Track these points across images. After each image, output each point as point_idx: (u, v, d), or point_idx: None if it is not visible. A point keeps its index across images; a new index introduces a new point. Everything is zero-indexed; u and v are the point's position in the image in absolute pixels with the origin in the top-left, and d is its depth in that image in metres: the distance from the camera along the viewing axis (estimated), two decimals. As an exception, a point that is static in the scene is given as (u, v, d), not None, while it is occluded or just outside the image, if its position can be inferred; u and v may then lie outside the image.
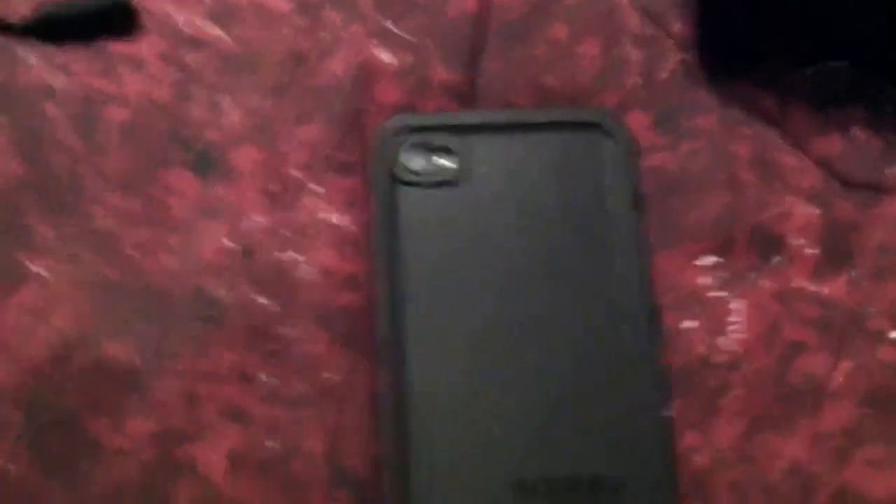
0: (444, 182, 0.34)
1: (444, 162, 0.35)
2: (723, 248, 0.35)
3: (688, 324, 0.34)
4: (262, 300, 0.34)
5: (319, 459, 0.32)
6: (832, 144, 0.36)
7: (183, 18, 0.36)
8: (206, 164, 0.35)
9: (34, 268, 0.34)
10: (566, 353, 0.33)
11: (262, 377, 0.33)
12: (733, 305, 0.34)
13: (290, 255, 0.35)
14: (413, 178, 0.34)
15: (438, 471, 0.31)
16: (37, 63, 0.36)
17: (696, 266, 0.35)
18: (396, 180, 0.34)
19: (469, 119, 0.35)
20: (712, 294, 0.35)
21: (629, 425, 0.32)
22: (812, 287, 0.35)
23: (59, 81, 0.36)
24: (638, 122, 0.36)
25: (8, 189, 0.35)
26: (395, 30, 0.37)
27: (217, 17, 0.36)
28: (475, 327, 0.33)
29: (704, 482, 0.33)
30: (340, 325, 0.34)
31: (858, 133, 0.36)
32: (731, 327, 0.34)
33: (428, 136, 0.35)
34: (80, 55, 0.36)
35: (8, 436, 0.32)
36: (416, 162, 0.34)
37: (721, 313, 0.34)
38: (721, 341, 0.34)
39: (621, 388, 0.32)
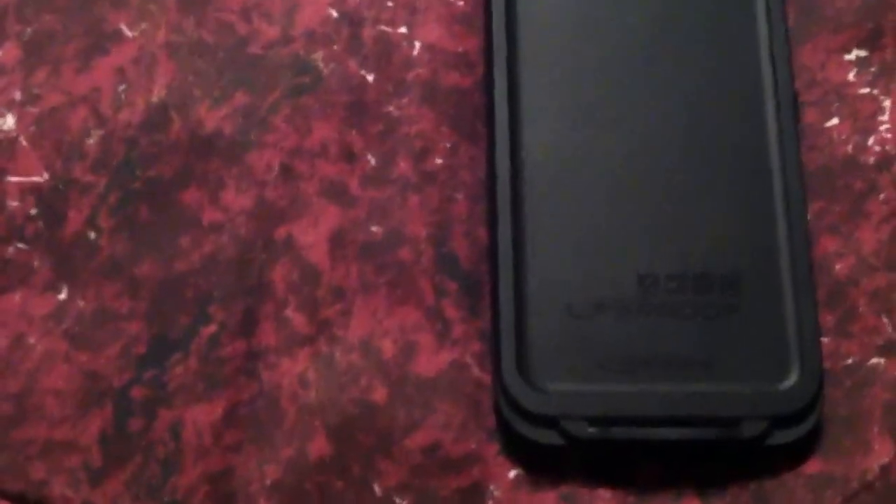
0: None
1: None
2: (871, 40, 0.32)
3: (832, 121, 0.31)
4: (366, 74, 0.31)
5: (424, 246, 0.30)
6: None
7: None
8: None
9: (125, 28, 0.32)
10: (698, 143, 0.30)
11: (364, 156, 0.31)
12: (883, 102, 0.31)
13: (396, 28, 0.32)
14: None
15: (553, 259, 0.29)
16: None
17: (841, 60, 0.32)
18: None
19: None
20: (859, 90, 0.31)
21: (763, 225, 0.29)
22: (973, 83, 0.31)
23: None
24: None
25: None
26: None
27: None
28: (598, 110, 0.30)
29: (844, 291, 0.30)
30: (448, 105, 0.31)
31: None
32: (879, 126, 0.31)
33: None
34: None
35: (88, 201, 0.30)
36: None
37: (869, 111, 0.31)
38: (869, 140, 0.31)
39: (756, 186, 0.29)
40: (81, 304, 0.29)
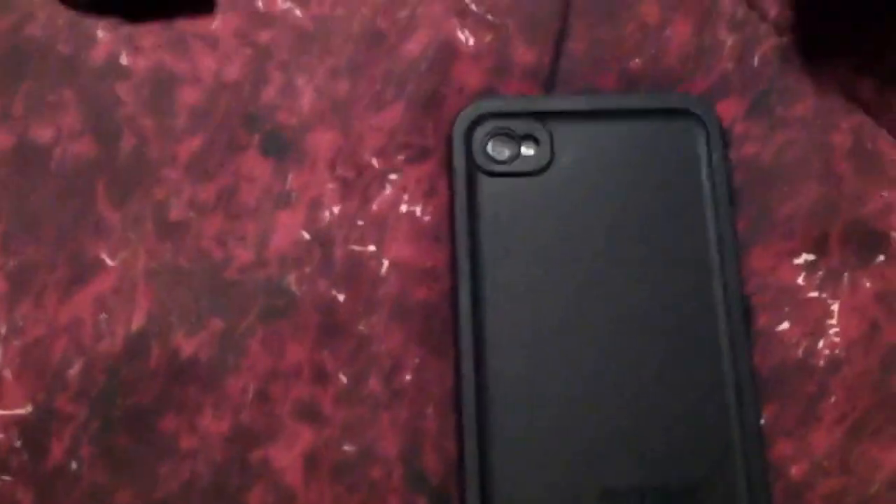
0: (527, 172, 0.33)
1: (528, 150, 0.33)
2: (819, 244, 0.33)
3: (783, 325, 0.33)
4: (336, 294, 0.33)
5: (395, 462, 0.31)
6: (937, 136, 0.34)
7: (256, -5, 0.35)
8: (280, 148, 0.34)
9: (106, 257, 0.33)
10: (654, 353, 0.31)
11: (337, 375, 0.32)
12: (831, 306, 0.33)
13: (365, 247, 0.33)
14: (495, 167, 0.33)
15: (520, 475, 0.30)
16: (106, 39, 0.34)
17: (790, 264, 0.33)
18: (477, 170, 0.33)
19: (553, 105, 0.34)
20: (808, 294, 0.33)
21: (720, 432, 0.30)
22: (916, 288, 0.33)
23: (129, 59, 0.34)
24: (730, 109, 0.34)
25: (78, 171, 0.33)
26: (476, 9, 0.35)
27: (291, -6, 0.35)
28: (559, 324, 0.31)
29: (800, 493, 0.31)
30: (416, 320, 0.33)
31: (969, 125, 0.34)
32: (829, 329, 0.33)
33: (510, 123, 0.33)
34: (151, 31, 0.35)
35: (69, 431, 0.31)
36: (497, 150, 0.33)
37: (818, 314, 0.33)
38: (818, 344, 0.32)
39: (712, 393, 0.31)
40: (64, 534, 0.30)
